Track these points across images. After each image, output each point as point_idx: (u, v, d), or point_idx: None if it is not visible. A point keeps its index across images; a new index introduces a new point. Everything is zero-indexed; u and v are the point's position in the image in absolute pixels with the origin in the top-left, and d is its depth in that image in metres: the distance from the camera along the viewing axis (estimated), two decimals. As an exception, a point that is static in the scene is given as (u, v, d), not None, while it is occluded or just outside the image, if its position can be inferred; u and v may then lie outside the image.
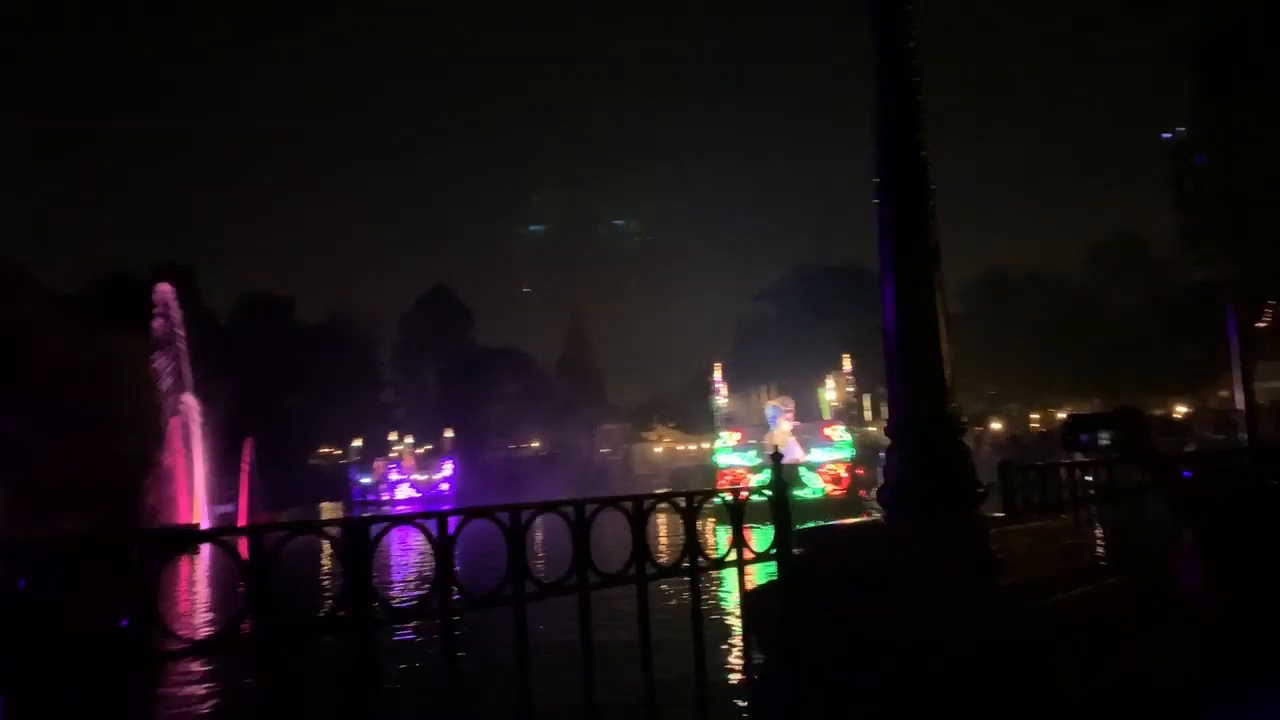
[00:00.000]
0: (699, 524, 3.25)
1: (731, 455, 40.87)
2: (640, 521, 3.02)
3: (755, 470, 37.94)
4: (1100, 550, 5.22)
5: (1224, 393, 53.29)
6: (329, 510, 56.14)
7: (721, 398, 44.48)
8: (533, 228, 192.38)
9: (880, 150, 4.23)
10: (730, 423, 43.04)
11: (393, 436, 65.88)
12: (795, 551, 3.54)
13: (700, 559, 3.20)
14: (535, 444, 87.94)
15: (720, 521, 3.50)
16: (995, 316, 59.05)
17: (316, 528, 2.40)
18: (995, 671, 3.11)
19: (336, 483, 67.02)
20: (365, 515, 2.42)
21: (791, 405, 41.70)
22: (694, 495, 3.33)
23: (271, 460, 43.06)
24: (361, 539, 2.37)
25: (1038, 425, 63.34)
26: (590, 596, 2.87)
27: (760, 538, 3.53)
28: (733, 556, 3.35)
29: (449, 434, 64.64)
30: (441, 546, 2.51)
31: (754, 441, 40.73)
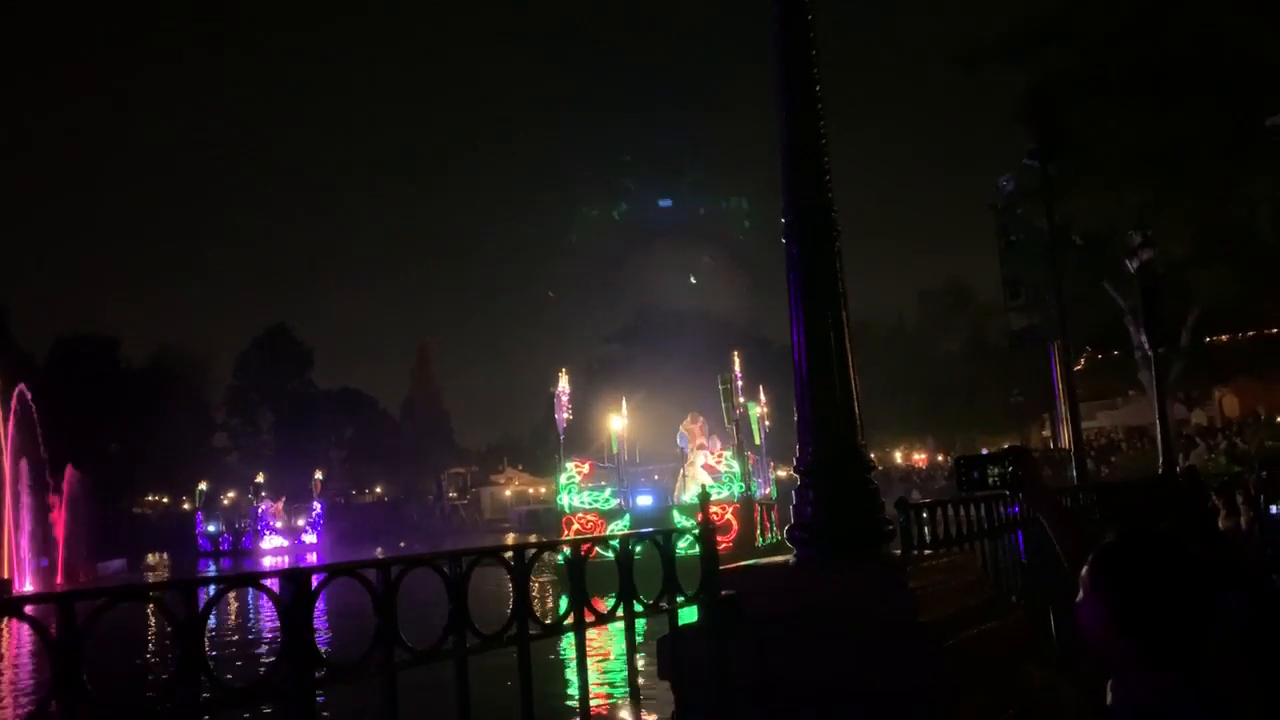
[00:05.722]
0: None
1: (579, 495, 31.73)
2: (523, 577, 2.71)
3: (610, 516, 30.44)
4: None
5: (1045, 432, 56.72)
6: (156, 563, 52.85)
7: (565, 414, 34.19)
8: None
9: (788, 190, 4.28)
10: (580, 452, 34.69)
11: (260, 479, 61.49)
12: (723, 594, 3.47)
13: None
14: (379, 489, 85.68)
15: (565, 587, 2.99)
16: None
17: (254, 580, 2.19)
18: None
19: (166, 532, 63.07)
20: (303, 568, 2.23)
21: (699, 422, 32.91)
22: (525, 548, 2.80)
23: (93, 510, 40.40)
24: (303, 590, 2.18)
25: (875, 462, 65.74)
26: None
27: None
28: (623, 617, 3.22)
29: (319, 476, 60.67)
30: (385, 599, 2.34)
31: (604, 483, 32.83)
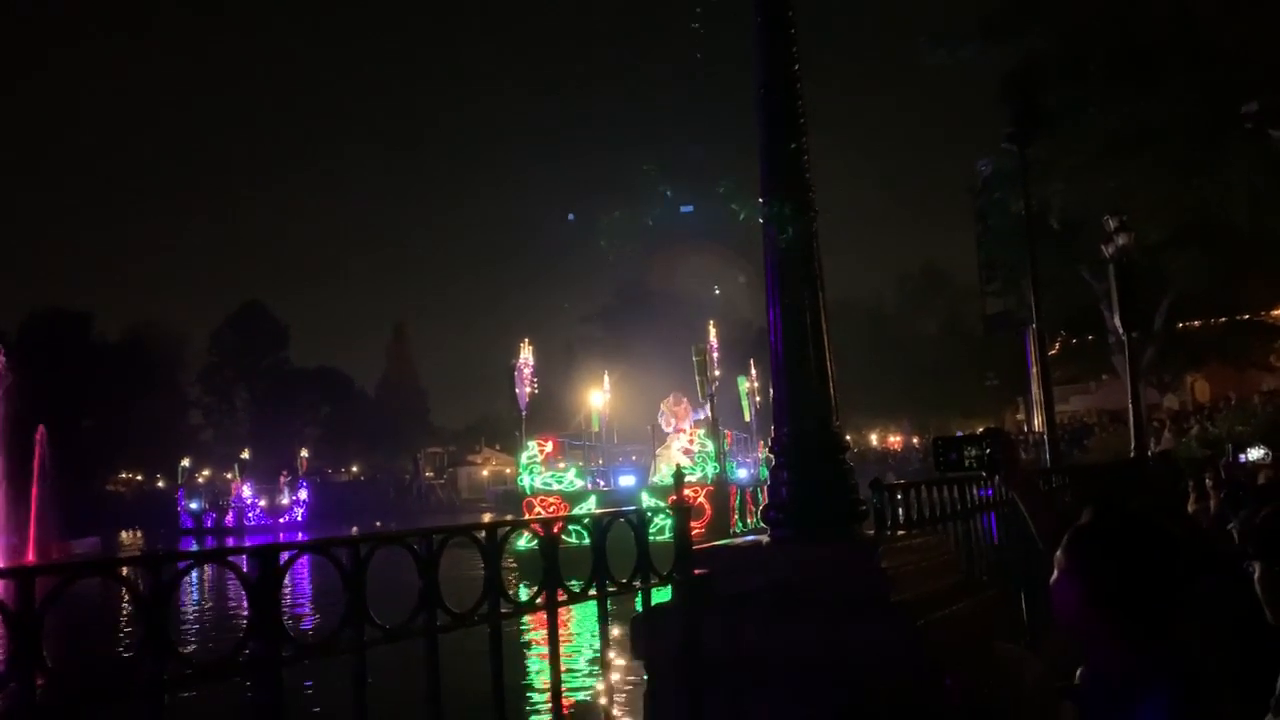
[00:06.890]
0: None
1: (541, 476, 29.18)
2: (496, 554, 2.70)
3: (574, 498, 28.00)
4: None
5: (1019, 415, 57.12)
6: (130, 541, 52.39)
7: (528, 388, 31.03)
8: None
9: (766, 170, 4.27)
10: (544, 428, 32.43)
11: (245, 455, 61.09)
12: (696, 573, 3.47)
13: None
14: (355, 468, 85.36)
15: (525, 575, 3.00)
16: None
17: (220, 556, 2.17)
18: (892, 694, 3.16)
19: (141, 510, 62.53)
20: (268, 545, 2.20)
21: (683, 403, 30.17)
22: (498, 526, 2.79)
23: (65, 487, 39.98)
24: (270, 568, 2.16)
25: (850, 443, 66.14)
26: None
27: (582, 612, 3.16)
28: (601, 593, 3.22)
29: (304, 454, 60.27)
30: (354, 577, 2.32)
31: (574, 464, 31.11)
